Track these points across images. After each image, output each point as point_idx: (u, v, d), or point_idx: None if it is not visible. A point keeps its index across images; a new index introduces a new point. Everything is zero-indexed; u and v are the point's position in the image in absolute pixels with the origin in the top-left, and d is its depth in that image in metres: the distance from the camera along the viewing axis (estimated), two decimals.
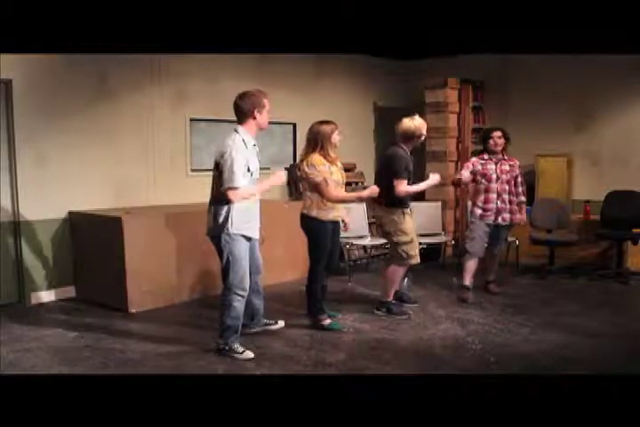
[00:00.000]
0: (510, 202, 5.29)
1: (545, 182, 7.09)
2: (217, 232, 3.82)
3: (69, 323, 4.67)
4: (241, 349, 3.91)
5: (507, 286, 5.71)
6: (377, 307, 4.92)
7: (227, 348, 3.91)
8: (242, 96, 3.76)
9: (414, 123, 4.72)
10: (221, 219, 3.78)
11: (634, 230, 6.17)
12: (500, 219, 5.26)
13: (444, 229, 6.98)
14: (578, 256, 6.52)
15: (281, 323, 4.41)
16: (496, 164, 5.29)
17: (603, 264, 6.38)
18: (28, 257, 5.21)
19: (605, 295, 5.57)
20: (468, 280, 5.36)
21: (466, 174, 5.27)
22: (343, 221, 4.67)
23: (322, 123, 4.40)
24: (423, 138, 4.81)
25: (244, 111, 3.74)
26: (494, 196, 5.24)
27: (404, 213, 4.71)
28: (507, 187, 5.27)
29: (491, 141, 5.29)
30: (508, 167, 5.30)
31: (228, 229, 3.78)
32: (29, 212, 5.16)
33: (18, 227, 5.14)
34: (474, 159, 5.43)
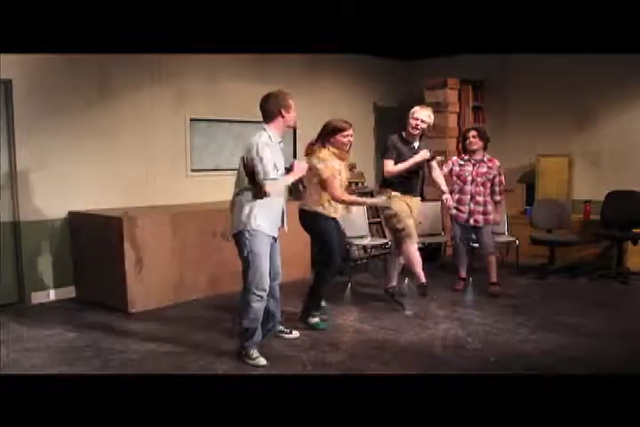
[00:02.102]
0: (485, 203, 5.43)
1: (545, 182, 7.10)
2: (239, 228, 3.77)
3: (69, 323, 4.67)
4: (255, 355, 3.80)
5: (507, 286, 5.71)
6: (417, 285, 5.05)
7: (243, 352, 3.82)
8: (266, 98, 3.81)
9: (414, 108, 4.90)
10: (244, 215, 3.73)
11: (634, 230, 6.17)
12: (471, 220, 5.43)
13: (443, 229, 6.98)
14: (578, 256, 6.52)
15: (295, 333, 4.32)
16: (474, 166, 5.43)
17: (603, 264, 6.37)
18: (28, 257, 5.21)
19: (605, 295, 5.57)
20: (462, 273, 5.71)
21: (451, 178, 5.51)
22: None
23: (335, 120, 4.38)
24: (414, 120, 4.83)
25: (270, 112, 3.80)
26: (467, 197, 5.43)
27: (391, 193, 4.83)
28: (481, 189, 5.43)
29: (467, 141, 5.47)
30: (485, 169, 5.43)
31: (249, 226, 3.72)
32: (29, 212, 5.16)
33: (18, 227, 5.14)
34: (454, 158, 5.63)
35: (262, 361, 3.77)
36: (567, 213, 6.53)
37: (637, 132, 6.64)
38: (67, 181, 5.33)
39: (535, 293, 5.66)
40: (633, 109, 6.65)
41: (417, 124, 4.81)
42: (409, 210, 4.85)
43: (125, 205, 5.60)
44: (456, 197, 5.46)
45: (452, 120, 7.31)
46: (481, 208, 5.43)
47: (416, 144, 4.94)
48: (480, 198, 5.42)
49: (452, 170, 5.51)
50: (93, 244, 5.25)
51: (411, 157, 4.85)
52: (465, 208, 5.45)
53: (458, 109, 7.37)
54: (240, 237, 3.77)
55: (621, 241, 6.25)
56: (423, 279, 4.94)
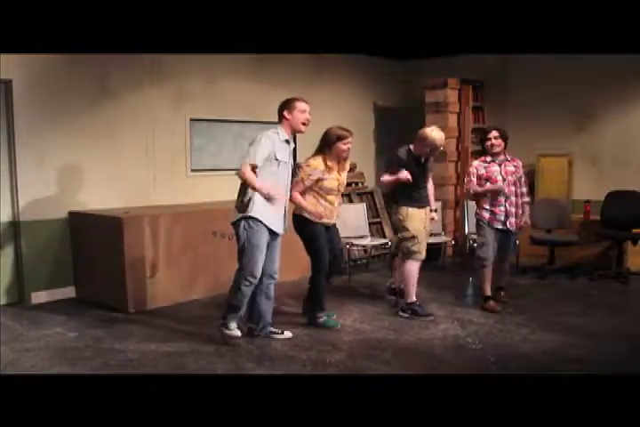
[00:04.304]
0: (517, 205, 5.05)
1: (545, 182, 7.10)
2: (238, 215, 3.93)
3: (69, 323, 4.67)
4: (233, 326, 4.06)
5: (507, 286, 5.70)
6: (402, 309, 4.90)
7: (222, 322, 4.08)
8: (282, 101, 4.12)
9: (426, 130, 4.71)
10: (244, 203, 3.89)
11: (634, 230, 6.17)
12: (507, 223, 5.00)
13: (444, 229, 6.98)
14: (578, 256, 6.52)
15: (287, 334, 4.34)
16: (500, 165, 5.05)
17: (603, 264, 6.37)
18: (28, 257, 5.21)
19: (605, 295, 5.57)
20: (488, 290, 5.11)
21: (475, 188, 5.06)
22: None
23: (337, 128, 4.45)
24: (430, 149, 4.70)
25: (278, 113, 4.08)
26: (503, 199, 4.99)
27: (408, 211, 4.75)
28: (513, 189, 5.03)
29: (488, 143, 5.06)
30: (512, 168, 5.06)
31: (247, 213, 3.88)
32: (29, 212, 5.16)
33: (18, 227, 5.14)
34: (476, 163, 5.15)
35: (238, 333, 4.07)
36: (567, 213, 6.53)
37: (637, 132, 6.64)
38: (67, 181, 5.33)
39: (535, 293, 5.66)
40: (633, 109, 6.66)
41: (433, 153, 4.75)
42: (425, 230, 4.83)
43: (125, 205, 5.60)
44: (488, 200, 5.02)
45: (452, 120, 7.31)
46: (514, 209, 5.01)
47: (423, 157, 4.82)
48: (514, 199, 5.01)
49: (479, 175, 5.05)
50: (93, 244, 5.25)
51: (420, 171, 4.77)
52: (501, 210, 4.98)
53: (458, 109, 7.38)
54: (238, 226, 3.95)
55: (621, 241, 6.25)
56: (413, 298, 4.85)
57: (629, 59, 6.17)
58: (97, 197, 5.49)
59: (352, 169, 7.32)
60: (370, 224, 6.82)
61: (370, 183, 7.69)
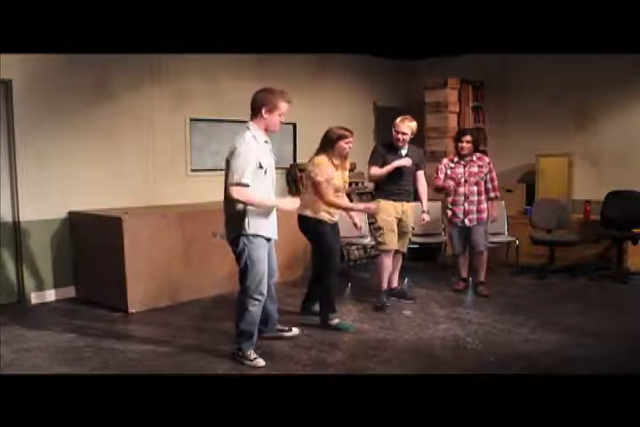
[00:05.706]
0: (479, 202, 5.48)
1: (545, 182, 7.09)
2: (234, 234, 3.68)
3: (69, 323, 4.67)
4: (253, 356, 3.76)
5: (507, 286, 5.71)
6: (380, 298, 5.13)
7: (240, 353, 3.78)
8: (260, 90, 3.65)
9: (396, 120, 5.07)
10: (237, 220, 3.62)
11: (634, 230, 6.17)
12: (467, 221, 5.49)
13: (443, 229, 6.97)
14: (578, 256, 6.51)
15: (295, 330, 4.32)
16: (464, 166, 5.48)
17: (603, 264, 6.37)
18: (28, 257, 5.21)
19: (605, 295, 5.57)
20: (462, 273, 5.77)
21: (446, 182, 5.54)
22: (355, 224, 4.86)
23: (337, 128, 4.50)
24: (396, 133, 4.97)
25: (255, 106, 3.65)
26: (462, 198, 5.49)
27: (380, 202, 4.99)
28: (475, 188, 5.47)
29: (459, 145, 5.48)
30: (476, 169, 5.48)
31: (245, 231, 3.61)
32: (29, 212, 5.16)
33: (18, 227, 5.14)
34: (445, 161, 5.63)
35: (261, 362, 3.74)
36: (567, 213, 6.53)
37: (637, 132, 6.64)
38: (67, 181, 5.33)
39: (535, 293, 5.66)
40: (633, 109, 6.66)
41: (398, 138, 4.97)
42: (394, 224, 5.02)
43: (125, 205, 5.60)
44: (451, 198, 5.55)
45: (452, 120, 7.31)
46: (475, 207, 5.48)
47: (404, 151, 5.05)
48: (474, 198, 5.48)
49: (445, 173, 5.57)
50: (93, 244, 5.25)
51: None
52: (460, 209, 5.50)
53: (458, 109, 7.38)
54: (237, 242, 3.67)
55: (621, 241, 6.25)
56: (383, 287, 5.12)
57: (629, 59, 6.17)
58: (97, 197, 5.49)
59: (352, 169, 7.33)
60: (370, 224, 6.80)
61: (370, 183, 7.67)
